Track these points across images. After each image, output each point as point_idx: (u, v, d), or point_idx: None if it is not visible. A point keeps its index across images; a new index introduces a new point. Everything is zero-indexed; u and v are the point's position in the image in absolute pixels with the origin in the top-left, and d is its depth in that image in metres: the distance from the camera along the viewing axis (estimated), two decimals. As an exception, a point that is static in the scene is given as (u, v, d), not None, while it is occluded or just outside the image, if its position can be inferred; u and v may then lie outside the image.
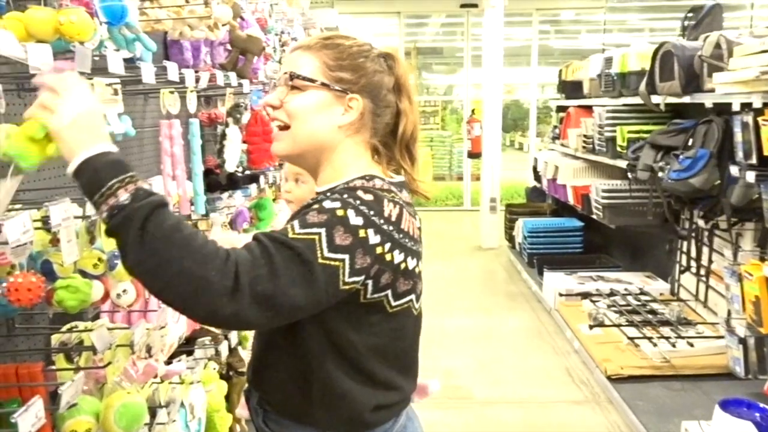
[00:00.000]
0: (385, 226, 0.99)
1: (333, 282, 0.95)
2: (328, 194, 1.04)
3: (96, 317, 1.64)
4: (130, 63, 1.60)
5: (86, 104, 0.95)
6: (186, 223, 0.95)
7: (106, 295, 1.37)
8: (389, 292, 1.02)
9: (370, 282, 0.99)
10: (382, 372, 1.07)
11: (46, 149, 0.97)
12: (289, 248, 0.94)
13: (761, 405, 2.12)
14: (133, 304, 1.41)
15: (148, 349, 1.52)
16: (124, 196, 0.90)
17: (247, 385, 1.21)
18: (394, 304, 1.04)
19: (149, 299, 1.63)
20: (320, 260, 0.94)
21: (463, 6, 8.78)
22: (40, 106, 0.94)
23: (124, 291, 1.36)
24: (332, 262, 0.94)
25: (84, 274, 1.31)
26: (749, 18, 8.78)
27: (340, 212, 0.97)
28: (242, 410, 1.33)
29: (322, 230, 0.95)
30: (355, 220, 0.97)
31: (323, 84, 1.08)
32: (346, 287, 0.97)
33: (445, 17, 9.81)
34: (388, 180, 1.09)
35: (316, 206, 1.00)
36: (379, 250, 0.98)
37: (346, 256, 0.95)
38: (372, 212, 0.99)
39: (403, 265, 1.02)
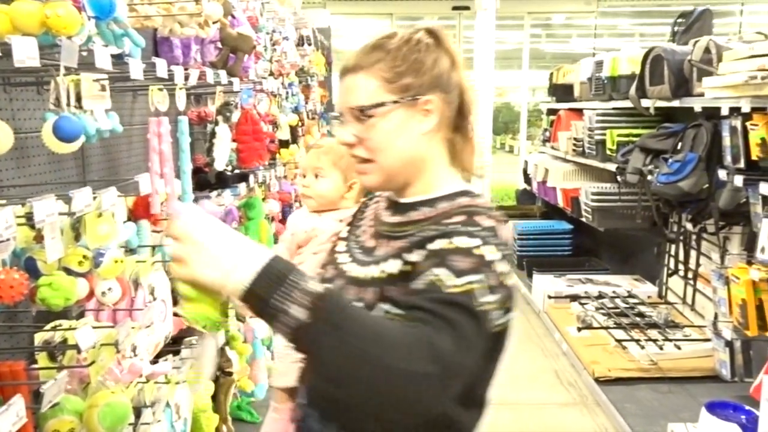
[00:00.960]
0: (505, 251, 0.96)
1: (491, 326, 0.91)
2: (446, 223, 0.97)
3: (81, 315, 1.62)
4: (119, 59, 1.58)
5: (213, 235, 0.86)
6: (360, 310, 0.91)
7: (91, 293, 1.35)
8: (510, 314, 0.98)
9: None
10: (486, 392, 1.03)
11: (212, 297, 0.90)
12: (458, 305, 0.87)
13: (747, 408, 2.13)
14: (118, 302, 1.39)
15: (134, 348, 1.50)
16: (292, 309, 0.81)
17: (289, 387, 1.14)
18: (509, 323, 1.00)
19: (135, 297, 1.62)
20: (481, 308, 0.88)
21: (455, 8, 8.80)
22: (174, 262, 0.87)
23: (109, 289, 1.34)
24: (488, 306, 0.90)
25: (68, 271, 1.29)
26: (738, 24, 8.88)
27: (481, 251, 0.92)
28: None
29: (479, 276, 0.89)
30: (493, 256, 0.93)
31: (393, 102, 1.00)
32: (497, 328, 0.93)
33: (437, 19, 9.82)
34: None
35: (446, 243, 0.93)
36: (507, 279, 0.94)
37: (497, 297, 0.90)
38: (497, 241, 0.95)
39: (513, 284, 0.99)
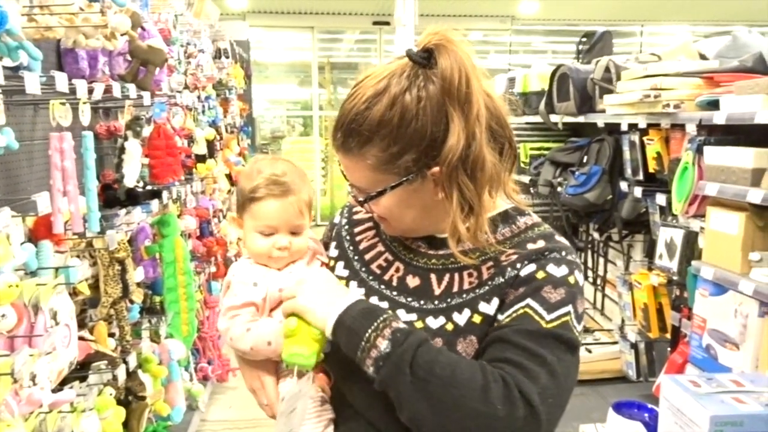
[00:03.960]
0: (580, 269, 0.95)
1: (578, 350, 0.91)
2: (533, 250, 0.91)
3: (-26, 344, 1.52)
4: (15, 71, 1.50)
5: (318, 277, 0.96)
6: (447, 351, 0.88)
7: (-17, 321, 1.27)
8: None
9: None
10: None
11: (311, 336, 0.93)
12: (554, 338, 0.85)
13: (650, 406, 2.25)
14: (13, 329, 1.31)
15: (33, 377, 1.42)
16: (383, 345, 0.85)
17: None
18: None
19: (35, 322, 1.53)
20: (572, 338, 0.88)
21: (375, 23, 8.92)
22: (286, 300, 0.96)
23: (3, 315, 1.27)
24: (576, 334, 0.89)
25: (-43, 298, 1.21)
26: (639, 44, 9.49)
27: (572, 279, 0.90)
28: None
29: (569, 308, 0.88)
30: (580, 280, 0.91)
31: (392, 188, 0.90)
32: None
33: (359, 33, 9.91)
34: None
35: (538, 272, 0.89)
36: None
37: (582, 322, 0.91)
38: (575, 258, 0.93)
39: None
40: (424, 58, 0.87)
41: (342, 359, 0.91)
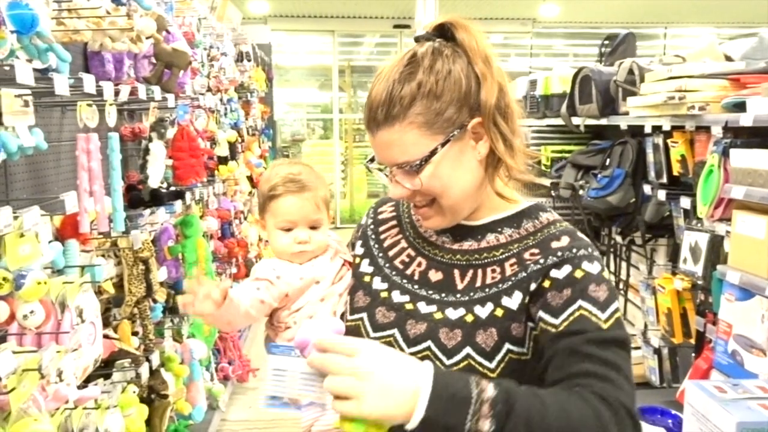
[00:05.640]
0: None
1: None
2: (560, 248, 0.93)
3: (3, 340, 1.55)
4: (45, 74, 1.54)
5: (374, 362, 0.78)
6: (546, 396, 0.81)
7: (12, 317, 1.30)
8: None
9: None
10: None
11: (382, 425, 0.79)
12: (615, 343, 0.87)
13: (673, 412, 2.22)
14: (41, 325, 1.34)
15: (60, 373, 1.44)
16: (487, 426, 0.77)
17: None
18: None
19: (62, 320, 1.56)
20: (626, 334, 0.90)
21: (396, 27, 8.94)
22: (338, 400, 0.78)
23: (31, 312, 1.29)
24: (625, 328, 0.91)
25: (-13, 294, 1.24)
26: (662, 46, 9.38)
27: (606, 274, 0.92)
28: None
29: (617, 303, 0.91)
30: (607, 273, 0.94)
31: (442, 145, 0.91)
32: None
33: (379, 37, 9.94)
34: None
35: (576, 271, 0.90)
36: None
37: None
38: (598, 253, 0.95)
39: None
40: (438, 34, 0.95)
41: None
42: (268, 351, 0.89)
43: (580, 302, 0.89)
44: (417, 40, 0.96)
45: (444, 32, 0.95)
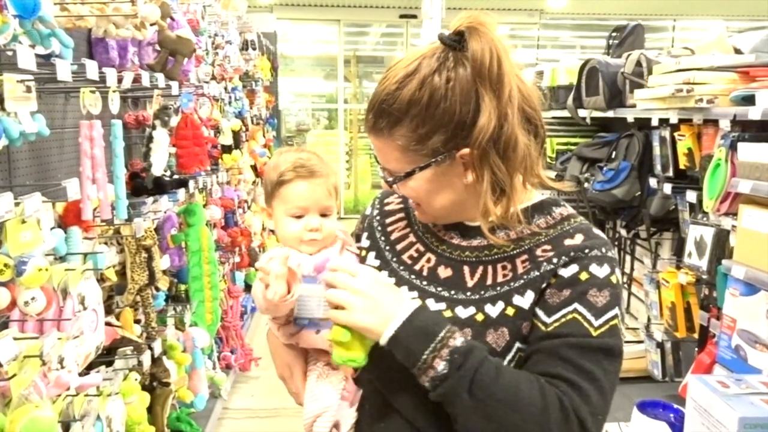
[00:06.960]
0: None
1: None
2: (572, 246, 0.90)
3: (4, 326, 1.55)
4: (48, 59, 1.53)
5: (369, 284, 0.90)
6: (506, 370, 0.86)
7: (13, 303, 1.30)
8: None
9: None
10: None
11: (362, 343, 0.92)
12: (602, 351, 0.86)
13: (675, 406, 2.21)
14: (43, 312, 1.34)
15: (61, 360, 1.44)
16: (441, 366, 0.84)
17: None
18: None
19: (64, 307, 1.56)
20: (618, 343, 0.89)
21: (402, 17, 8.89)
22: (332, 306, 0.90)
23: (33, 298, 1.29)
24: (621, 338, 0.89)
25: (-12, 280, 1.24)
26: (671, 39, 9.30)
27: (614, 278, 0.89)
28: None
29: (616, 311, 0.88)
30: (619, 278, 0.91)
31: (421, 169, 0.90)
32: None
33: (385, 27, 9.89)
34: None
35: (582, 273, 0.88)
36: None
37: (623, 323, 0.92)
38: (614, 254, 0.93)
39: None
40: (455, 41, 0.88)
41: (389, 365, 0.90)
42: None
43: (575, 305, 0.88)
44: (440, 39, 0.90)
45: (462, 38, 0.89)
